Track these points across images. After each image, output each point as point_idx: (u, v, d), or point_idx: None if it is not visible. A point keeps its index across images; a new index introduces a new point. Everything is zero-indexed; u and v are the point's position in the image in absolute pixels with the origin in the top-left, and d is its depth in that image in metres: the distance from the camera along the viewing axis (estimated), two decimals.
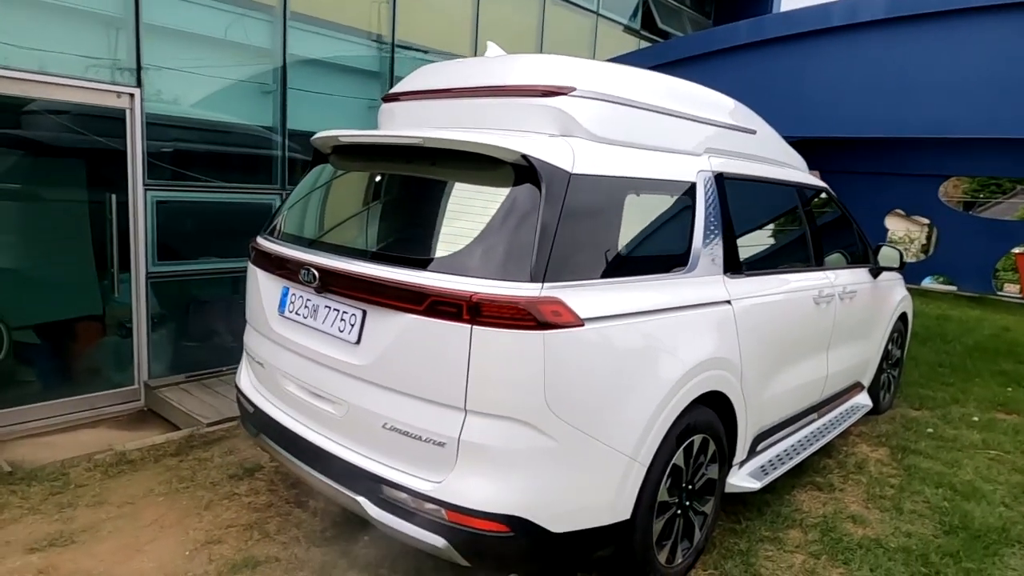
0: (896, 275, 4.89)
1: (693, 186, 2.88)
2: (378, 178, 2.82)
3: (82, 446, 4.03)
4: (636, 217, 2.58)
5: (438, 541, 2.23)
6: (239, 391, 3.11)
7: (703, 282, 2.82)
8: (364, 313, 2.38)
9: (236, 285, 5.33)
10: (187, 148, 5.04)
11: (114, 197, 4.54)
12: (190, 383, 4.96)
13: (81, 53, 4.36)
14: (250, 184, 5.37)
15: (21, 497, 3.26)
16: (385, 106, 3.17)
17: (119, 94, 4.48)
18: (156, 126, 4.70)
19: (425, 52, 6.65)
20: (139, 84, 4.54)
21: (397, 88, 3.15)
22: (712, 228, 2.91)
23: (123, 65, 4.52)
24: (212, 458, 3.78)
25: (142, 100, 4.56)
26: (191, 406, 4.50)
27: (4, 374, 4.43)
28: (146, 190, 4.66)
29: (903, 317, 5.17)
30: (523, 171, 2.26)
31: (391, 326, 2.28)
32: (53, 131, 4.50)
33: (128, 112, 4.53)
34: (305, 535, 3.02)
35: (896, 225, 19.12)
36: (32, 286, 4.54)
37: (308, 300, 2.60)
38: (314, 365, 2.56)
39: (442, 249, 2.30)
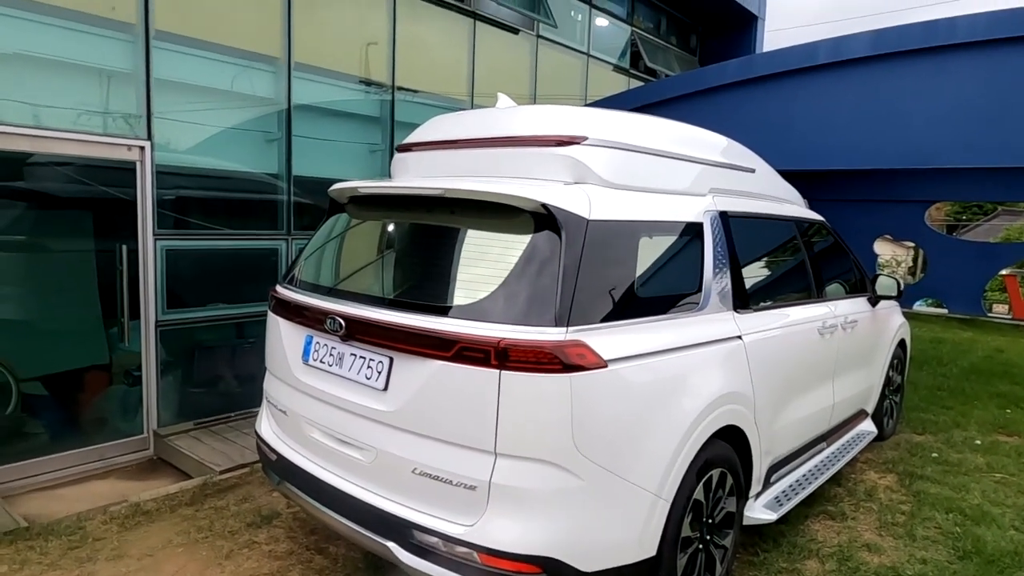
0: (893, 302, 5.00)
1: (700, 226, 2.98)
2: (398, 227, 2.91)
3: (95, 498, 4.02)
4: (650, 259, 2.67)
5: None
6: (260, 439, 3.14)
7: (714, 319, 2.91)
8: (391, 360, 2.44)
9: (244, 331, 5.37)
10: (195, 196, 5.14)
11: (124, 247, 4.60)
12: (199, 430, 4.96)
13: (93, 109, 4.47)
14: (257, 230, 5.45)
15: (40, 553, 3.25)
16: (399, 156, 3.27)
17: (130, 147, 4.58)
18: (165, 175, 4.80)
19: (420, 94, 6.82)
20: (150, 137, 4.65)
21: (410, 139, 3.26)
22: (720, 265, 3.01)
23: (134, 119, 4.62)
24: (228, 506, 3.77)
25: (152, 152, 4.66)
26: (202, 454, 4.49)
27: (13, 427, 4.42)
28: (156, 239, 4.73)
29: (902, 343, 5.27)
30: (543, 219, 2.35)
31: (419, 372, 2.34)
32: (61, 182, 4.58)
33: (139, 164, 4.62)
34: None
35: (882, 249, 19.44)
36: (41, 337, 4.57)
37: (333, 348, 2.66)
38: (340, 412, 2.60)
39: (466, 296, 2.37)
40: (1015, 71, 5.47)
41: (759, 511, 3.20)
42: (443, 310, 2.35)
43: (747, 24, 11.41)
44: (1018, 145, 5.55)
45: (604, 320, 2.36)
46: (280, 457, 2.93)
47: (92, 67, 4.49)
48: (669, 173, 2.98)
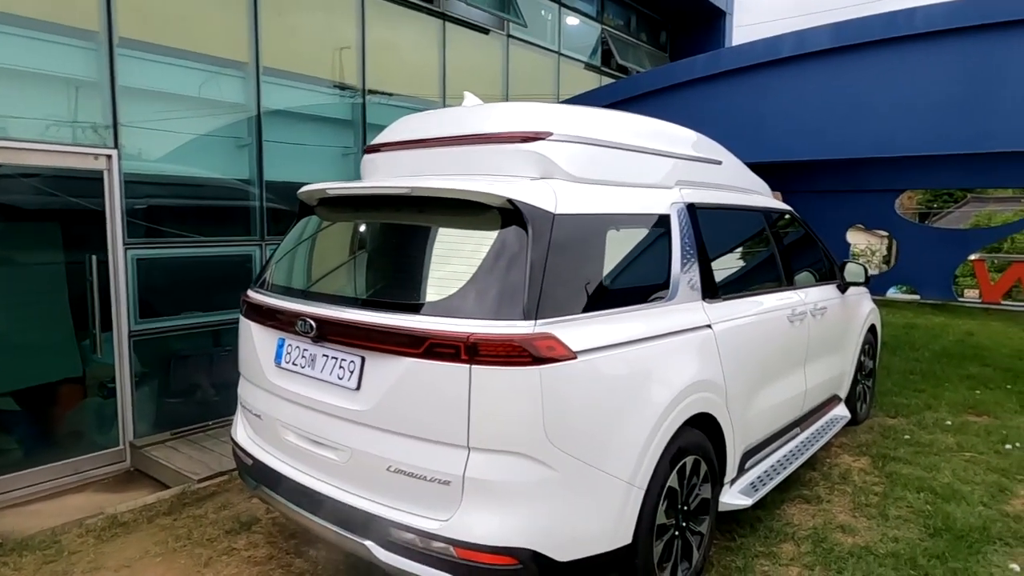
0: (863, 289, 5.09)
1: (668, 218, 3.02)
2: (367, 227, 2.91)
3: (71, 512, 3.97)
4: (618, 251, 2.71)
5: None
6: (235, 444, 3.12)
7: (684, 308, 2.95)
8: (363, 359, 2.45)
9: (220, 338, 5.33)
10: (166, 204, 5.09)
11: (94, 257, 4.55)
12: (176, 440, 4.92)
13: (58, 118, 4.41)
14: (229, 236, 5.41)
15: (13, 568, 3.20)
16: (367, 157, 3.28)
17: (97, 156, 4.53)
18: (134, 184, 4.75)
19: (391, 96, 6.81)
20: (116, 145, 4.60)
21: (378, 139, 3.26)
22: (688, 256, 3.05)
23: (100, 128, 4.57)
24: (206, 514, 3.75)
25: (120, 161, 4.61)
26: (179, 463, 4.46)
27: None
28: (126, 248, 4.69)
29: (872, 329, 5.37)
30: (509, 214, 2.37)
31: (390, 370, 2.35)
32: (28, 194, 4.51)
33: (106, 173, 4.57)
34: None
35: (857, 239, 19.74)
36: (11, 351, 4.49)
37: (305, 350, 2.66)
38: (314, 413, 2.60)
39: (436, 293, 2.39)
40: (977, 59, 5.61)
41: (734, 497, 3.25)
42: (413, 308, 2.36)
43: (716, 20, 11.55)
44: (983, 131, 5.68)
45: (573, 312, 2.38)
46: (256, 461, 2.92)
47: (55, 76, 4.43)
48: (635, 167, 3.02)
